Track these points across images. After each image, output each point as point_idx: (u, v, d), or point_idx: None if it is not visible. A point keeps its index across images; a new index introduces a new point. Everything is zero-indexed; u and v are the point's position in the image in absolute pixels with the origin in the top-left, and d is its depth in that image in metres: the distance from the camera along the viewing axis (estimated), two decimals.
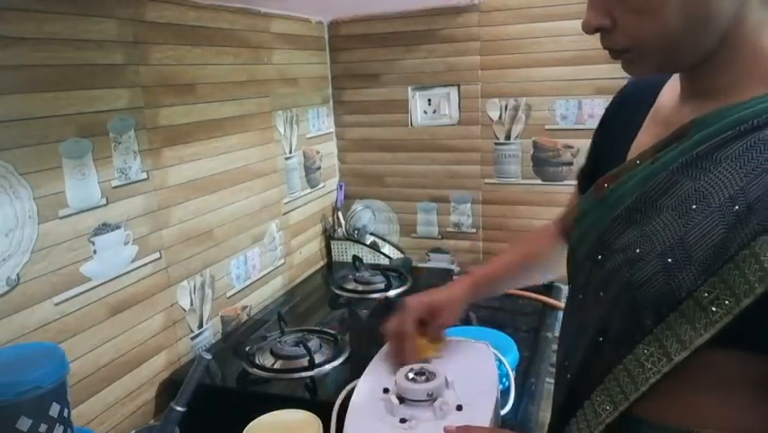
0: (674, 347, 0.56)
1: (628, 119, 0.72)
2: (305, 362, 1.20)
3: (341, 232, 1.92)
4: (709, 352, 0.54)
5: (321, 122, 1.88)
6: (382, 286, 1.60)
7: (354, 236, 1.90)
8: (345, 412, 0.80)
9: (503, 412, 0.96)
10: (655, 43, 0.57)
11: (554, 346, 1.76)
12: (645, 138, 0.67)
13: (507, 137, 1.76)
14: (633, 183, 0.63)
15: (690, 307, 0.55)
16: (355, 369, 1.14)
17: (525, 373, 1.18)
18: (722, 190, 0.55)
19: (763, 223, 0.51)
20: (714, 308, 0.53)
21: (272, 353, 1.26)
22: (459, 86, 1.78)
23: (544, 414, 1.40)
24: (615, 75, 1.64)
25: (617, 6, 0.57)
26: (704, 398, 0.57)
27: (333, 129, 1.95)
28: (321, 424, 0.95)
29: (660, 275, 0.56)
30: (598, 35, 0.61)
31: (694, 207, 0.56)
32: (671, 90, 0.68)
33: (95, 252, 1.05)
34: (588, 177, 0.75)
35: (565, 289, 1.74)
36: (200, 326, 1.35)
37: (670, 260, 0.56)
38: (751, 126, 0.55)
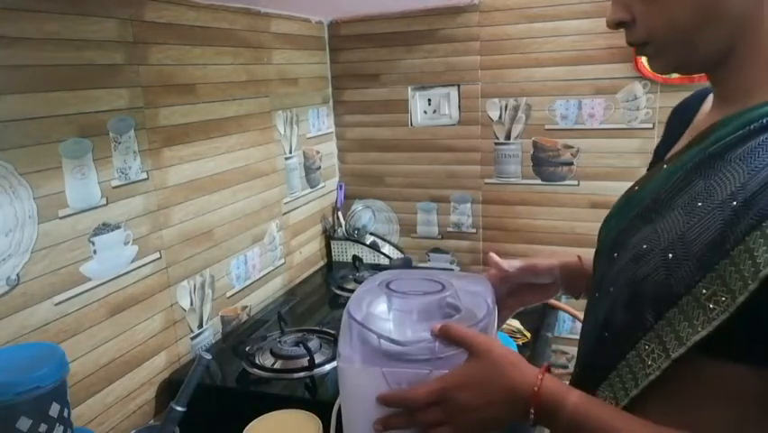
0: (672, 344, 0.55)
1: (675, 125, 0.75)
2: (305, 362, 1.20)
3: (341, 232, 1.92)
4: (708, 361, 0.54)
5: (321, 122, 1.88)
6: None
7: (354, 236, 1.90)
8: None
9: None
10: (669, 36, 0.60)
11: (554, 346, 1.77)
12: (679, 145, 0.69)
13: (507, 137, 1.76)
14: (654, 184, 0.64)
15: (689, 303, 0.54)
16: None
17: None
18: (726, 187, 0.55)
19: (756, 217, 0.51)
20: (711, 305, 0.52)
21: (272, 353, 1.26)
22: (459, 86, 1.78)
23: None
24: (615, 75, 1.65)
25: (636, 0, 0.60)
26: (702, 409, 0.56)
27: (333, 129, 1.95)
28: (321, 424, 0.95)
29: (660, 270, 0.56)
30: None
31: (699, 204, 0.56)
32: (708, 103, 0.71)
33: (95, 252, 1.05)
34: None
35: None
36: (200, 326, 1.35)
37: (670, 255, 0.56)
38: (761, 125, 0.56)
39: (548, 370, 0.64)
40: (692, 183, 0.59)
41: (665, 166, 0.65)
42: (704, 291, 0.53)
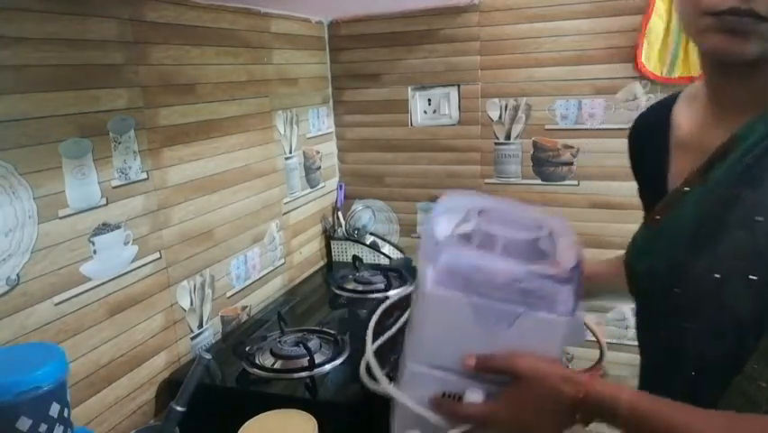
0: None
1: (650, 146, 0.73)
2: (305, 362, 1.20)
3: (341, 232, 1.92)
4: None
5: (321, 122, 1.88)
6: (382, 286, 1.60)
7: (354, 236, 1.90)
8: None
9: None
10: None
11: None
12: (683, 165, 0.66)
13: (507, 137, 1.76)
14: (689, 209, 0.62)
15: None
16: (355, 369, 1.14)
17: None
18: None
19: None
20: None
21: (272, 353, 1.26)
22: (459, 86, 1.78)
23: None
24: (614, 75, 1.65)
25: None
26: None
27: (333, 129, 1.95)
28: (316, 423, 0.95)
29: (747, 294, 0.55)
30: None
31: (759, 218, 0.55)
32: (684, 117, 0.69)
33: (94, 252, 1.05)
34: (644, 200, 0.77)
35: None
36: (200, 326, 1.35)
37: (752, 277, 0.55)
38: None
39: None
40: (740, 198, 0.57)
41: (687, 189, 0.63)
42: None
